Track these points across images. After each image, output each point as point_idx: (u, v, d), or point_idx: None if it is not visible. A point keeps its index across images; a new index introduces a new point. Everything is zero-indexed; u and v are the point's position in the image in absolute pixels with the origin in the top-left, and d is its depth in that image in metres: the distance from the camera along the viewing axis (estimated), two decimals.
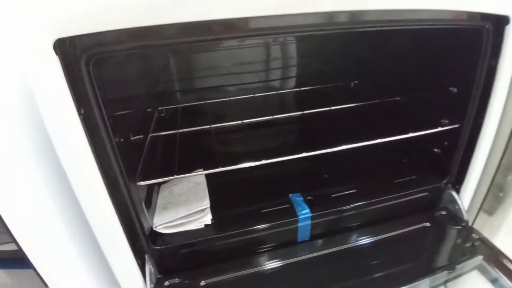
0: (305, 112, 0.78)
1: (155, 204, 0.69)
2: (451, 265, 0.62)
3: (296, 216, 0.64)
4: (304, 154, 0.61)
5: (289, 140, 0.94)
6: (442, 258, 0.63)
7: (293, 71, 1.11)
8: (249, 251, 0.64)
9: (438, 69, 0.72)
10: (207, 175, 0.74)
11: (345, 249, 0.64)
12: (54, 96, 0.41)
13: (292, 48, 1.08)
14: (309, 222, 0.64)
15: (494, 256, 0.65)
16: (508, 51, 0.60)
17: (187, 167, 0.59)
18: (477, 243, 0.66)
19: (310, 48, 1.07)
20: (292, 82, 1.11)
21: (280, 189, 0.72)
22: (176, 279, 0.61)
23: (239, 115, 0.81)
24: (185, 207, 0.65)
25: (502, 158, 0.73)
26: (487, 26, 0.59)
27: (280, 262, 0.62)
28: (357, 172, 0.77)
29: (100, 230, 0.52)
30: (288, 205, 0.67)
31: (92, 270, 0.64)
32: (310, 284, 0.58)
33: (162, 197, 0.71)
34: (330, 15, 0.47)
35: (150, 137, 0.72)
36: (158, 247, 0.60)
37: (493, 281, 0.65)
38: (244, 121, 0.75)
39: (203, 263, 0.63)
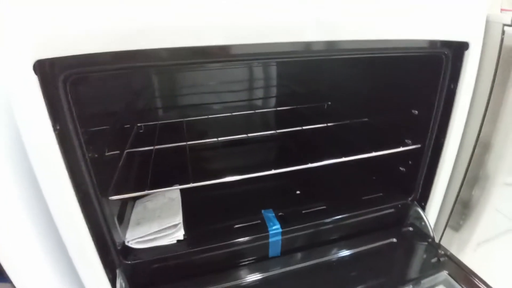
0: (279, 131, 0.83)
1: (129, 219, 0.71)
2: (416, 280, 0.66)
3: (267, 231, 0.67)
4: (274, 171, 0.65)
5: (263, 158, 0.99)
6: (408, 272, 0.67)
7: (272, 92, 1.17)
8: (221, 267, 0.66)
9: (400, 93, 0.79)
10: (182, 191, 0.77)
11: (315, 264, 0.67)
12: (31, 112, 0.44)
13: (272, 71, 1.15)
14: (279, 237, 0.68)
15: (460, 272, 0.69)
16: (467, 75, 0.67)
17: (161, 183, 0.63)
18: (442, 259, 0.71)
19: (288, 72, 1.15)
20: (270, 102, 1.17)
21: (253, 206, 0.75)
22: None
23: (216, 133, 0.85)
24: (158, 223, 0.67)
25: (465, 175, 0.79)
26: (446, 52, 0.65)
27: (251, 277, 0.65)
28: (328, 189, 0.82)
29: (71, 243, 0.54)
30: (260, 221, 0.70)
31: (66, 284, 0.65)
32: None
33: (136, 212, 0.73)
34: (307, 44, 0.53)
35: (126, 153, 0.75)
36: (130, 262, 0.62)
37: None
38: (219, 138, 0.79)
39: (176, 278, 0.64)
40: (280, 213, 0.72)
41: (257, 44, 0.49)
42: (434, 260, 0.70)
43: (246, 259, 0.68)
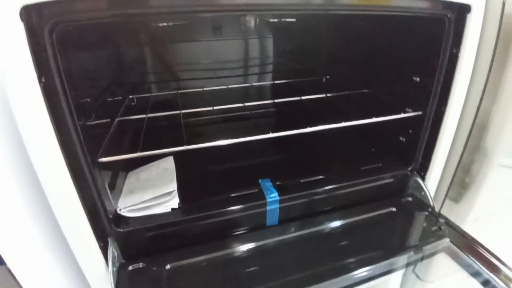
0: (276, 100, 0.82)
1: (121, 189, 0.70)
2: (417, 247, 0.66)
3: (265, 199, 0.66)
4: (272, 135, 0.64)
5: (260, 126, 0.98)
6: (408, 240, 0.67)
7: (268, 69, 1.15)
8: (217, 235, 0.66)
9: (402, 60, 0.78)
10: (176, 162, 0.76)
11: (313, 232, 0.67)
12: (16, 61, 0.43)
13: (268, 47, 1.13)
14: (277, 205, 0.67)
15: (461, 239, 0.70)
16: (469, 39, 0.66)
17: (154, 148, 0.61)
18: (443, 227, 0.71)
19: (284, 48, 1.13)
20: (267, 77, 1.15)
21: (250, 176, 0.74)
22: (141, 263, 0.61)
23: (212, 104, 0.84)
24: (151, 191, 0.66)
25: (465, 145, 0.79)
26: (449, 15, 0.64)
27: (248, 245, 0.64)
28: (327, 160, 0.82)
29: (60, 208, 0.53)
30: (257, 190, 0.70)
31: (60, 260, 0.64)
32: (278, 267, 0.61)
33: (129, 182, 0.72)
34: None
35: (118, 121, 0.74)
36: (122, 230, 0.61)
37: (462, 264, 0.69)
38: (215, 107, 0.78)
39: (170, 247, 0.64)
40: (277, 183, 0.71)
41: None
42: (434, 228, 0.70)
43: (244, 228, 0.67)
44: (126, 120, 0.76)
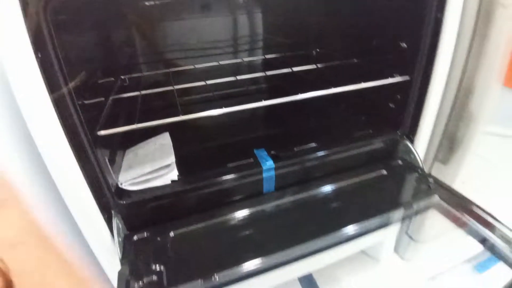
0: (268, 73, 0.84)
1: (120, 166, 0.72)
2: (407, 204, 0.70)
3: (261, 167, 0.69)
4: (265, 103, 0.66)
5: (253, 99, 1.00)
6: (399, 198, 0.71)
7: (259, 44, 1.16)
8: (217, 204, 0.69)
9: (389, 28, 0.80)
10: (172, 136, 0.78)
11: (309, 197, 0.71)
12: (13, 39, 0.44)
13: (259, 21, 1.13)
14: (273, 173, 0.70)
15: (451, 196, 0.73)
16: (453, 3, 0.68)
17: (150, 120, 0.63)
18: (433, 185, 0.75)
19: (275, 21, 1.13)
20: (259, 53, 1.16)
21: (245, 147, 0.77)
22: (145, 233, 0.64)
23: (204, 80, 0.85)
24: (150, 164, 0.69)
25: (452, 109, 0.82)
26: None
27: (247, 211, 0.68)
28: (320, 129, 0.84)
29: (63, 183, 0.55)
30: (253, 159, 0.72)
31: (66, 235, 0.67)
32: (276, 229, 0.64)
33: (127, 159, 0.74)
34: None
35: (112, 100, 0.75)
36: (124, 202, 0.63)
37: (449, 217, 0.73)
38: (208, 82, 0.79)
39: (171, 217, 0.67)
40: (272, 152, 0.74)
41: None
42: (424, 186, 0.74)
43: (242, 195, 0.70)
44: (120, 98, 0.78)
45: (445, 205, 0.72)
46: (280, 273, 0.59)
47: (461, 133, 0.85)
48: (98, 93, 0.73)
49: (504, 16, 0.73)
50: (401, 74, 0.77)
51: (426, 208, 0.73)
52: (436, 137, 0.85)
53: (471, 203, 0.73)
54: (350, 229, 0.60)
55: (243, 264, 0.55)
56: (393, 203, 0.68)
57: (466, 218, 0.71)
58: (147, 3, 0.91)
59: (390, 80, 0.74)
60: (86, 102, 0.61)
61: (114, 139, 0.70)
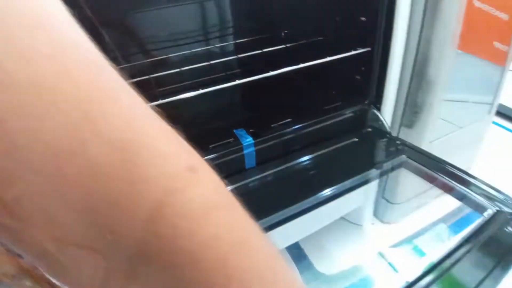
0: (240, 55, 0.88)
1: None
2: (377, 165, 0.77)
3: (241, 144, 0.74)
4: (238, 82, 0.71)
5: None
6: (370, 161, 0.78)
7: (230, 30, 1.19)
8: None
9: (349, 3, 0.85)
10: None
11: (289, 168, 0.76)
12: None
13: (226, 7, 1.16)
14: (253, 149, 0.75)
15: (418, 154, 0.80)
16: None
17: None
18: (400, 147, 0.82)
19: (243, 8, 1.17)
20: (230, 39, 1.19)
21: (225, 129, 0.81)
22: None
23: (178, 73, 0.88)
24: None
25: (412, 76, 0.90)
26: None
27: (231, 187, 0.73)
28: (294, 105, 0.90)
29: None
30: (233, 139, 0.77)
31: None
32: (259, 201, 0.70)
33: None
34: None
35: None
36: None
37: (417, 173, 0.81)
38: (182, 68, 0.82)
39: None
40: (251, 130, 0.79)
41: None
42: (393, 148, 0.81)
43: (225, 173, 0.75)
44: None
45: (413, 162, 0.80)
46: None
47: (422, 99, 0.92)
48: None
49: None
50: (363, 46, 0.83)
51: (396, 168, 0.80)
52: (400, 103, 0.92)
53: (436, 158, 0.81)
54: (328, 191, 0.67)
55: None
56: (364, 165, 0.75)
57: (434, 173, 0.79)
58: None
59: (352, 53, 0.80)
60: None
61: None
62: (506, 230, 0.59)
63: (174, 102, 0.68)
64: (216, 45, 1.08)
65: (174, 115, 0.68)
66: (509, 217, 0.62)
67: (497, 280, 0.51)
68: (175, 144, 0.14)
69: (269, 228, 0.62)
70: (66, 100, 0.11)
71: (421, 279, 0.53)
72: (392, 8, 0.77)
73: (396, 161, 0.78)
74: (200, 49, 1.03)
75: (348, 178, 0.70)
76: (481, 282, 0.51)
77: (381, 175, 0.79)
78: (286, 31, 1.14)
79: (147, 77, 0.80)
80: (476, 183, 0.70)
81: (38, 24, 0.11)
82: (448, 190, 0.78)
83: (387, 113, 0.89)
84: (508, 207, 0.63)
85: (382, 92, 0.86)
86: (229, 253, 0.14)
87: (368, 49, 0.81)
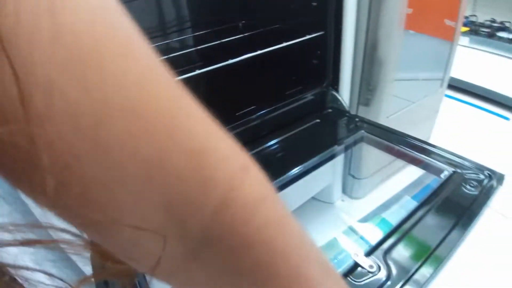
0: (199, 47, 0.90)
1: None
2: (338, 141, 0.82)
3: None
4: (198, 71, 0.73)
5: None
6: (332, 139, 0.84)
7: (187, 24, 1.20)
8: None
9: None
10: None
11: (256, 152, 0.80)
12: None
13: (183, 4, 1.16)
14: None
15: (375, 129, 0.86)
16: None
17: None
18: (359, 123, 0.88)
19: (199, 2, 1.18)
20: (188, 32, 1.20)
21: None
22: None
23: None
24: None
25: (364, 57, 0.96)
26: None
27: None
28: (257, 93, 0.93)
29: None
30: None
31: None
32: None
33: None
34: None
35: None
36: None
37: (376, 146, 0.87)
38: None
39: None
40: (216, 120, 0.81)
41: None
42: (353, 126, 0.87)
43: None
44: None
45: (371, 136, 0.86)
46: None
47: (375, 78, 0.99)
48: None
49: None
50: (316, 30, 0.88)
51: (357, 142, 0.86)
52: (356, 83, 0.98)
53: (391, 130, 0.87)
54: (296, 170, 0.71)
55: None
56: (327, 143, 0.80)
57: (392, 144, 0.86)
58: None
59: (306, 37, 0.84)
60: None
61: None
62: (463, 188, 0.64)
63: None
64: (175, 39, 1.08)
65: None
66: (465, 176, 0.68)
67: (460, 237, 0.56)
68: (231, 147, 0.17)
69: None
70: (155, 125, 0.14)
71: (383, 242, 0.58)
72: None
73: (356, 136, 0.84)
74: (159, 43, 1.04)
75: (313, 156, 0.75)
76: (442, 240, 0.56)
77: (346, 150, 0.84)
78: (243, 22, 1.17)
79: None
80: (432, 149, 0.76)
81: (127, 52, 0.13)
82: (407, 159, 0.85)
83: (345, 94, 0.95)
84: (464, 168, 0.70)
85: (339, 74, 0.91)
86: (276, 235, 0.17)
87: (322, 32, 0.85)
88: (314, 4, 0.86)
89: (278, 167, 0.75)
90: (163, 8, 1.14)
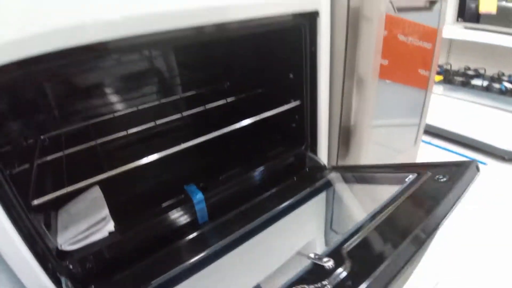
0: (184, 113, 0.98)
1: (56, 227, 0.78)
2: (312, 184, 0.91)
3: (192, 201, 0.82)
4: (183, 146, 0.80)
5: (174, 138, 1.12)
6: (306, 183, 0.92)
7: (175, 82, 1.29)
8: (157, 245, 0.78)
9: (280, 62, 1.01)
10: (102, 188, 0.86)
11: (240, 213, 0.85)
12: None
13: (171, 62, 1.26)
14: (203, 204, 0.83)
15: (344, 168, 0.94)
16: (322, 38, 0.89)
17: (79, 181, 0.71)
18: (331, 169, 0.97)
19: (185, 62, 1.28)
20: (175, 91, 1.29)
21: (176, 185, 0.89)
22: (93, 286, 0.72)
23: (126, 128, 0.95)
24: (85, 221, 0.76)
25: (340, 121, 1.06)
26: (303, 22, 0.86)
27: (187, 245, 0.79)
28: (240, 155, 1.01)
29: (8, 254, 0.61)
30: (183, 196, 0.85)
31: None
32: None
33: (61, 220, 0.80)
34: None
35: (37, 165, 0.81)
36: (67, 263, 0.70)
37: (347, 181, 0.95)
38: (129, 131, 0.89)
39: (117, 268, 0.74)
40: (201, 184, 0.87)
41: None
42: (326, 171, 0.96)
43: (180, 231, 0.82)
44: (45, 162, 0.84)
45: (345, 174, 0.94)
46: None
47: (353, 132, 1.08)
48: (22, 160, 0.78)
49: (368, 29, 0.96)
50: (294, 99, 0.97)
51: (326, 184, 0.94)
52: (334, 141, 1.07)
53: (360, 165, 0.94)
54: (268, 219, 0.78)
55: None
56: (300, 189, 0.88)
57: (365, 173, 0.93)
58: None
59: (285, 107, 0.94)
60: (14, 172, 0.67)
61: (47, 203, 0.76)
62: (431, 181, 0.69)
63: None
64: (162, 101, 1.17)
65: (123, 175, 0.74)
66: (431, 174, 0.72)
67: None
68: None
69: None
70: None
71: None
72: (314, 65, 0.92)
73: (331, 178, 0.92)
74: (145, 106, 1.12)
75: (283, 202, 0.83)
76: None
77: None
78: (228, 83, 1.27)
79: (93, 142, 0.86)
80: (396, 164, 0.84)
81: None
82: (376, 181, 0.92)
83: (323, 154, 1.03)
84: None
85: (316, 137, 1.00)
86: None
87: (298, 102, 0.95)
88: (291, 75, 0.96)
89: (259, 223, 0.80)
90: (152, 71, 1.23)
